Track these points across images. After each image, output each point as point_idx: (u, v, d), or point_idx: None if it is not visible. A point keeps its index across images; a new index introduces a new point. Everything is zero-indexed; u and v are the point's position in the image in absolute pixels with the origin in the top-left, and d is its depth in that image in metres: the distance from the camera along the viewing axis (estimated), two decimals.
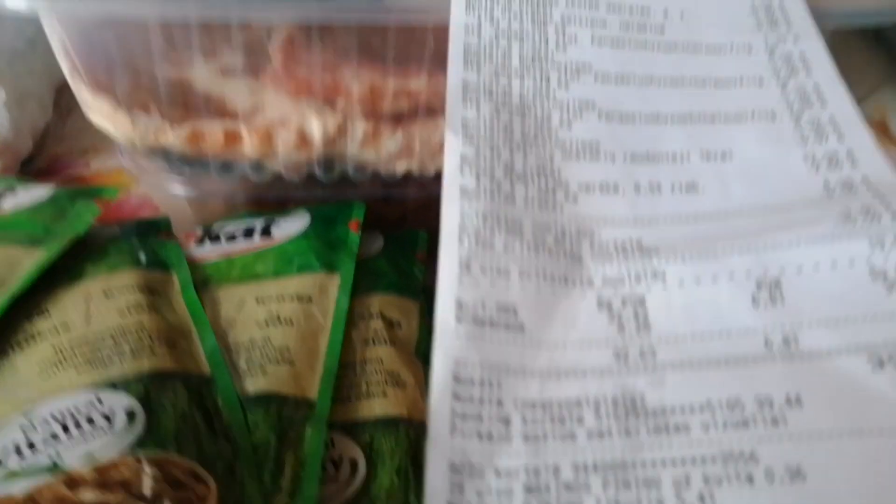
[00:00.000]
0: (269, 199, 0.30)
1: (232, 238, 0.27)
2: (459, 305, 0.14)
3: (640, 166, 0.19)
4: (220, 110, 0.26)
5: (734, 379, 0.12)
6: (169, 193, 0.29)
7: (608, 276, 0.15)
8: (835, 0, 0.23)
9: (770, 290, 0.13)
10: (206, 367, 0.21)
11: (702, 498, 0.11)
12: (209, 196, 0.30)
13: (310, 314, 0.23)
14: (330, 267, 0.25)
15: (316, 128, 0.26)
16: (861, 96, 0.32)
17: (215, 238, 0.27)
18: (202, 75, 0.25)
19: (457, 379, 0.13)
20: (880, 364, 0.12)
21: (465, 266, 0.16)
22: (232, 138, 0.26)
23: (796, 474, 0.11)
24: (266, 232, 0.27)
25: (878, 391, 0.12)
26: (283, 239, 0.27)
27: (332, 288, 0.24)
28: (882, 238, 0.13)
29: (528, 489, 0.12)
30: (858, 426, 0.11)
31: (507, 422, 0.13)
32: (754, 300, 0.13)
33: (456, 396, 0.13)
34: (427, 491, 0.12)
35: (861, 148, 0.18)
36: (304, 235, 0.27)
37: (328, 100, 0.26)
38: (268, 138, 0.26)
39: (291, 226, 0.27)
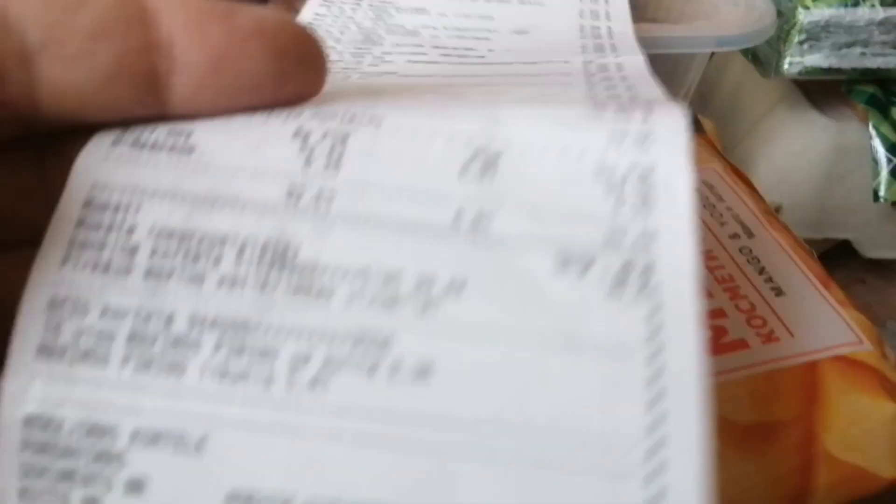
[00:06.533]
0: None
1: None
2: (125, 127, 0.12)
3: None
4: None
5: (404, 249, 0.11)
6: None
7: (321, 111, 0.12)
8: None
9: (485, 162, 0.12)
10: None
11: (314, 383, 0.10)
12: None
13: None
14: None
15: None
16: (758, 116, 0.35)
17: None
18: None
19: (88, 204, 0.11)
20: (565, 264, 0.11)
21: None
22: None
23: (424, 372, 0.10)
24: None
25: (550, 295, 0.10)
26: None
27: None
28: (623, 136, 0.12)
29: (132, 337, 0.10)
30: (510, 329, 0.10)
31: (133, 251, 0.11)
32: (464, 169, 0.12)
33: (80, 223, 0.11)
34: (15, 332, 0.10)
35: (623, 33, 0.19)
36: None
37: None
38: None
39: None
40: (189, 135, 0.12)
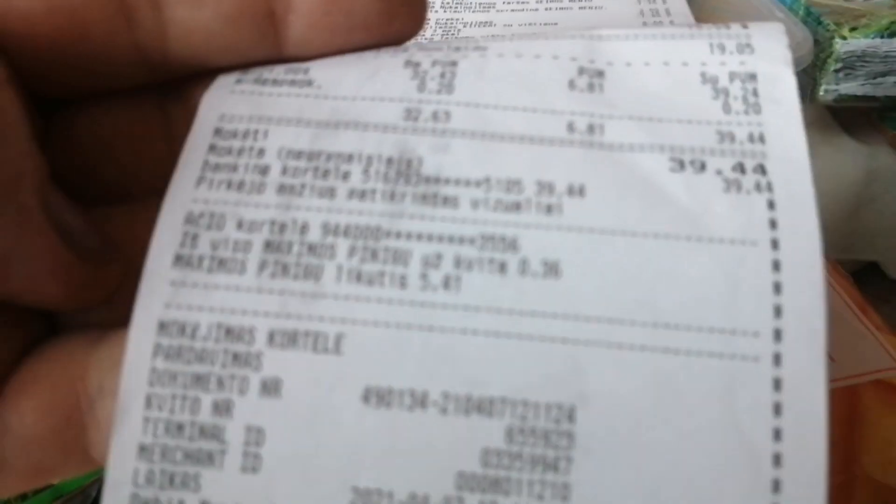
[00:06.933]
0: None
1: None
2: (245, 70, 0.12)
3: None
4: None
5: (522, 158, 0.12)
6: None
7: (426, 46, 0.13)
8: None
9: (591, 77, 0.12)
10: None
11: (447, 281, 0.11)
12: None
13: None
14: None
15: None
16: None
17: None
18: None
19: (218, 132, 0.12)
20: (681, 165, 0.11)
21: None
22: None
23: (552, 269, 0.11)
24: None
25: (669, 192, 0.11)
26: None
27: None
28: (723, 46, 0.12)
29: (268, 245, 0.11)
30: (633, 227, 0.11)
31: (264, 171, 0.11)
32: (571, 84, 0.12)
33: (212, 149, 0.12)
34: (152, 245, 0.11)
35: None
36: None
37: None
38: None
39: None
40: (307, 70, 0.12)
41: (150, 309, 0.11)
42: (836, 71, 0.29)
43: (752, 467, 0.10)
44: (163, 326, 0.11)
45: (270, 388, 0.10)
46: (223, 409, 0.10)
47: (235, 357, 0.10)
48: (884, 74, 0.28)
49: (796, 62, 0.27)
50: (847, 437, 0.20)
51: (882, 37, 0.28)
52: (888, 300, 0.37)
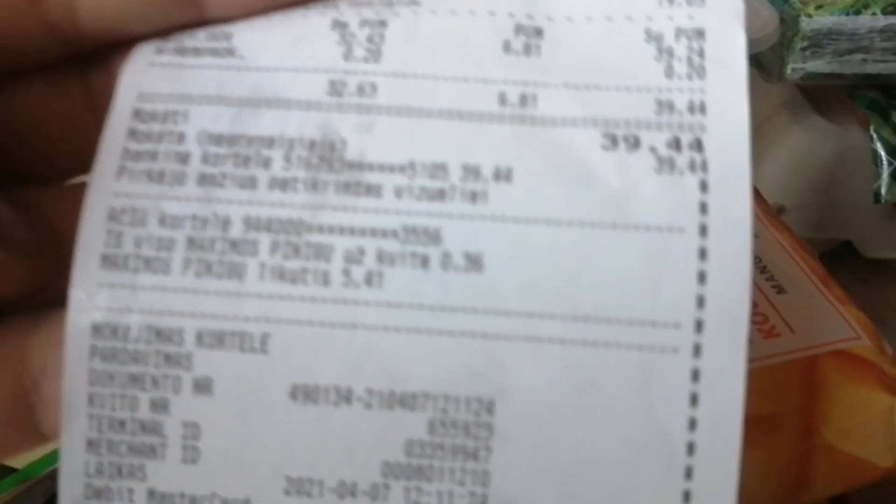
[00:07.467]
0: None
1: None
2: (165, 39, 0.12)
3: None
4: None
5: (449, 138, 0.11)
6: None
7: (357, 1, 0.12)
8: None
9: (528, 37, 0.11)
10: None
11: (369, 277, 0.10)
12: None
13: None
14: None
15: None
16: (761, 119, 0.36)
17: None
18: None
19: (138, 114, 0.11)
20: (613, 142, 0.11)
21: None
22: None
23: (474, 263, 0.10)
24: None
25: (598, 174, 0.11)
26: None
27: None
28: None
29: (191, 242, 0.11)
30: (558, 215, 0.11)
31: (184, 159, 0.11)
32: (507, 46, 0.11)
33: (132, 134, 0.11)
34: (78, 245, 0.11)
35: None
36: None
37: None
38: None
39: None
40: (229, 37, 0.12)
41: (82, 312, 0.11)
42: (803, 49, 0.29)
43: (666, 455, 0.10)
44: (96, 329, 0.11)
45: (202, 386, 0.11)
46: (160, 406, 0.11)
47: (167, 358, 0.11)
48: (850, 52, 0.29)
49: (763, 41, 0.27)
50: (807, 407, 0.20)
51: (848, 14, 0.28)
52: (865, 279, 0.37)
